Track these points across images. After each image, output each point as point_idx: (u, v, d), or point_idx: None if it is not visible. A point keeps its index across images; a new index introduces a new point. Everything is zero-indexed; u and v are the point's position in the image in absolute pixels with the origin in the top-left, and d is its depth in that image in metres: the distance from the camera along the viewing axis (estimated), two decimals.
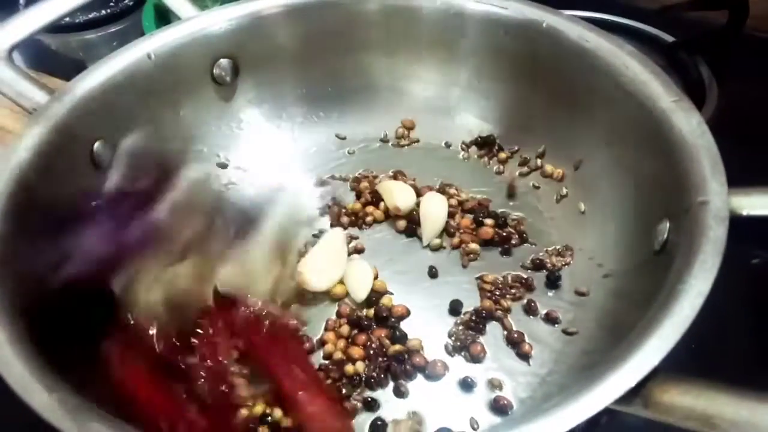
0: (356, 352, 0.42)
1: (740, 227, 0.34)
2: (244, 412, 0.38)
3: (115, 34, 0.77)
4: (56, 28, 0.73)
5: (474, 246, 0.47)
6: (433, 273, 0.47)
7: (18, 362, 0.31)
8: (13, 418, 0.31)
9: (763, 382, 0.27)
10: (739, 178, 0.36)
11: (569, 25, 0.47)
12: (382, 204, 0.51)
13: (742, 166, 0.37)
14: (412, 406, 0.40)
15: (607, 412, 0.28)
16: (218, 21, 0.51)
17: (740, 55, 0.65)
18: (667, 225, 0.37)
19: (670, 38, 0.67)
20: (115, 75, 0.47)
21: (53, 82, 0.59)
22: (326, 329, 0.44)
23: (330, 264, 0.46)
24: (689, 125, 0.38)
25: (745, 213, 0.34)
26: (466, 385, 0.41)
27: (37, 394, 0.29)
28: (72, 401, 0.29)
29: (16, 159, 0.41)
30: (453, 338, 0.43)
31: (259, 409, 0.39)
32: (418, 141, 0.56)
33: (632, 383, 0.28)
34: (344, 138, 0.56)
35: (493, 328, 0.44)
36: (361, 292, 0.45)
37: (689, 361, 0.37)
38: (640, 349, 0.29)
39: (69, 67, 0.63)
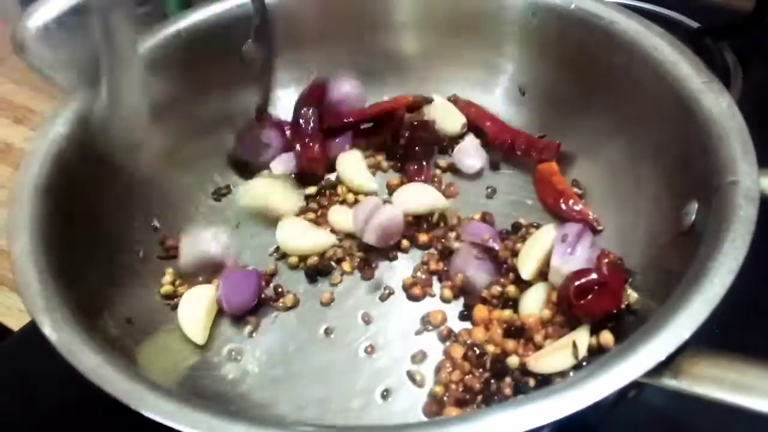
0: None
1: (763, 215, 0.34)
2: None
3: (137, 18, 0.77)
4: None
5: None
6: None
7: (65, 326, 0.32)
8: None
9: None
10: (764, 164, 0.36)
11: (597, 6, 0.47)
12: None
13: (766, 152, 0.37)
14: None
15: (636, 385, 0.28)
16: (249, 0, 0.51)
17: (766, 42, 0.64)
18: (696, 205, 0.37)
19: (695, 24, 0.66)
20: (148, 52, 0.48)
21: None
22: None
23: None
24: (719, 107, 0.38)
25: None
26: None
27: (85, 357, 0.30)
28: (117, 363, 0.30)
29: (52, 135, 0.42)
30: None
31: None
32: None
33: (662, 356, 0.28)
34: None
35: None
36: None
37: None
38: (670, 324, 0.29)
39: None
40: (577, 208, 0.47)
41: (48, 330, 0.32)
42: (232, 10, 0.51)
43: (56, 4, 0.49)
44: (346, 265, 0.47)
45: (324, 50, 0.55)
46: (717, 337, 0.42)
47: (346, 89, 0.54)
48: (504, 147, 0.52)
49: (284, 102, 0.55)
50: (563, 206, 0.48)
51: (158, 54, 0.48)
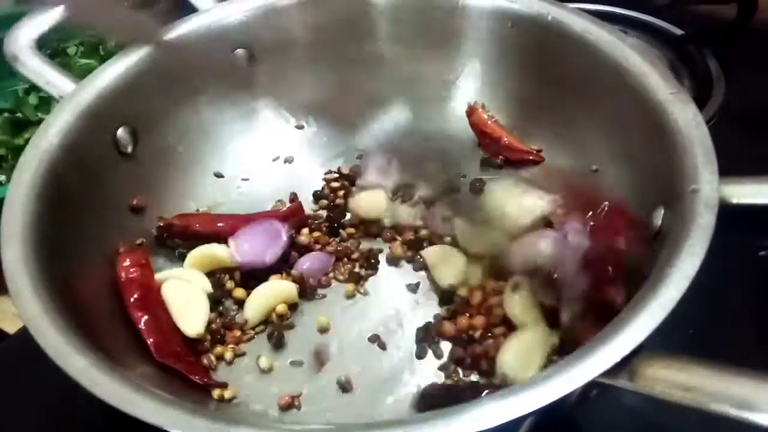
0: None
1: (748, 220, 0.35)
2: None
3: None
4: None
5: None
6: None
7: (52, 330, 0.33)
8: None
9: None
10: (745, 169, 0.37)
11: (573, 17, 0.49)
12: None
13: (748, 158, 0.38)
14: None
15: (595, 385, 0.30)
16: (235, 12, 0.53)
17: (749, 49, 0.65)
18: (662, 212, 0.39)
19: (679, 31, 0.67)
20: (137, 64, 0.49)
21: None
22: None
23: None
24: (685, 116, 0.40)
25: (734, 201, 0.36)
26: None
27: (73, 359, 0.32)
28: (105, 366, 0.32)
29: (44, 144, 0.44)
30: None
31: None
32: None
33: (618, 358, 0.29)
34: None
35: None
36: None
37: (692, 349, 0.38)
38: (627, 327, 0.30)
39: None
40: (516, 145, 0.52)
41: (38, 335, 0.33)
42: (221, 21, 0.53)
43: (46, 21, 0.51)
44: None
45: (309, 60, 0.56)
46: (692, 341, 0.44)
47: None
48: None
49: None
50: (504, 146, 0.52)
51: (147, 66, 0.50)
